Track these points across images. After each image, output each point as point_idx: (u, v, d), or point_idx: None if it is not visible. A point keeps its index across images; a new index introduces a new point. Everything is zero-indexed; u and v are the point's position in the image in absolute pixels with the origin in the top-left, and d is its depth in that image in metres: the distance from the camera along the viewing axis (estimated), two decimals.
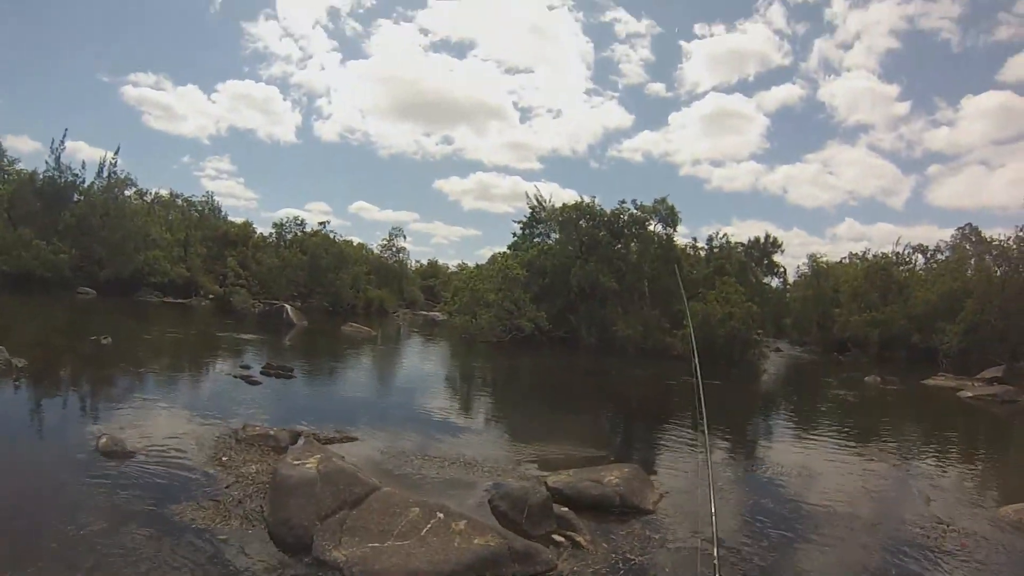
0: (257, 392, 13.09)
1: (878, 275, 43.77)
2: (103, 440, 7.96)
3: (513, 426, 13.07)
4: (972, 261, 37.79)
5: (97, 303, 31.08)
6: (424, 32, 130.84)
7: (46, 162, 37.25)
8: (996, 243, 36.35)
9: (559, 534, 6.40)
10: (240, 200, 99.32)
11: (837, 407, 19.72)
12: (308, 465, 6.51)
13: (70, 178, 37.28)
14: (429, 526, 5.60)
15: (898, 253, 47.95)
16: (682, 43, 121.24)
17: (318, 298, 46.19)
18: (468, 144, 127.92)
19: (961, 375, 28.24)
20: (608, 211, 35.91)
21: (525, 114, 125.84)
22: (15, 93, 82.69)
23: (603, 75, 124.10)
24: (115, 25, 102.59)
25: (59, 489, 6.53)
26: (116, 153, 39.26)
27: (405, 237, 66.69)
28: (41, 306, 26.95)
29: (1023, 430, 18.16)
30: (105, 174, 38.54)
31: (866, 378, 26.60)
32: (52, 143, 36.95)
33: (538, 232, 39.07)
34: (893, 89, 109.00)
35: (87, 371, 13.63)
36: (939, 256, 45.99)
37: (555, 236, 37.62)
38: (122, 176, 39.57)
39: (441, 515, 5.78)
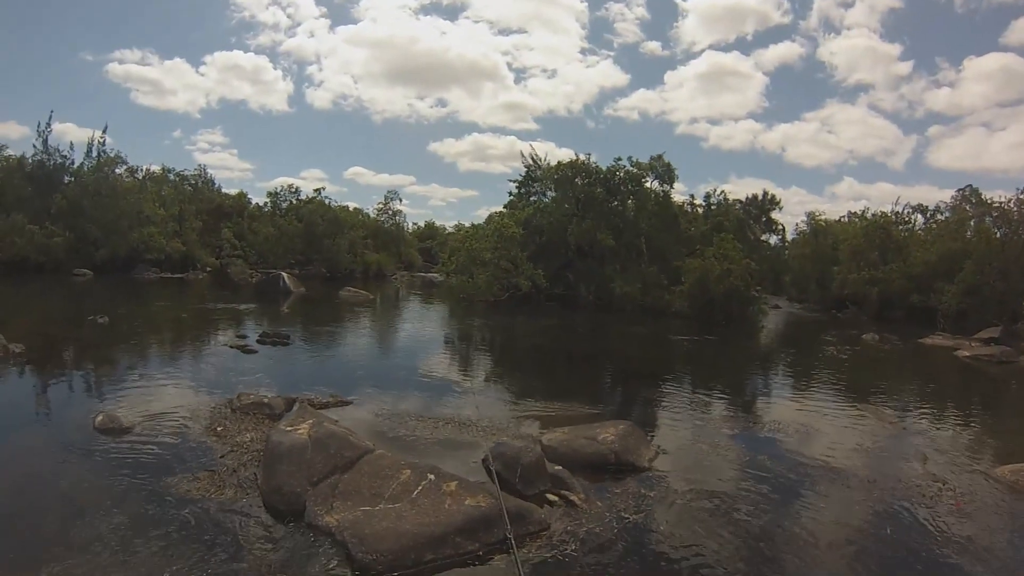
0: (253, 361, 13.09)
1: (877, 234, 43.45)
2: (99, 418, 7.98)
3: (510, 386, 13.09)
4: (972, 222, 37.46)
5: (94, 284, 30.99)
6: None
7: (34, 146, 37.11)
8: (996, 205, 36.05)
9: (553, 493, 6.40)
10: (234, 172, 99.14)
11: (835, 365, 19.72)
12: (300, 431, 6.50)
13: (59, 160, 37.05)
14: (420, 488, 5.59)
15: (898, 213, 47.54)
16: (678, 1, 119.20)
17: (316, 265, 46.18)
18: (463, 106, 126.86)
19: (959, 335, 28.16)
20: (604, 169, 35.61)
21: (519, 75, 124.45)
22: None
23: (598, 34, 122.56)
24: (96, 2, 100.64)
25: (56, 469, 6.53)
26: (104, 132, 38.95)
27: (401, 200, 66.27)
28: (38, 291, 26.84)
29: (1019, 390, 18.13)
30: (95, 154, 38.21)
31: (864, 336, 26.57)
32: (39, 126, 36.70)
33: (534, 191, 38.74)
34: (894, 48, 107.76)
35: (84, 352, 13.59)
36: (939, 217, 45.64)
37: (551, 195, 37.35)
38: (112, 155, 39.25)
39: (432, 476, 5.77)
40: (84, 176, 37.23)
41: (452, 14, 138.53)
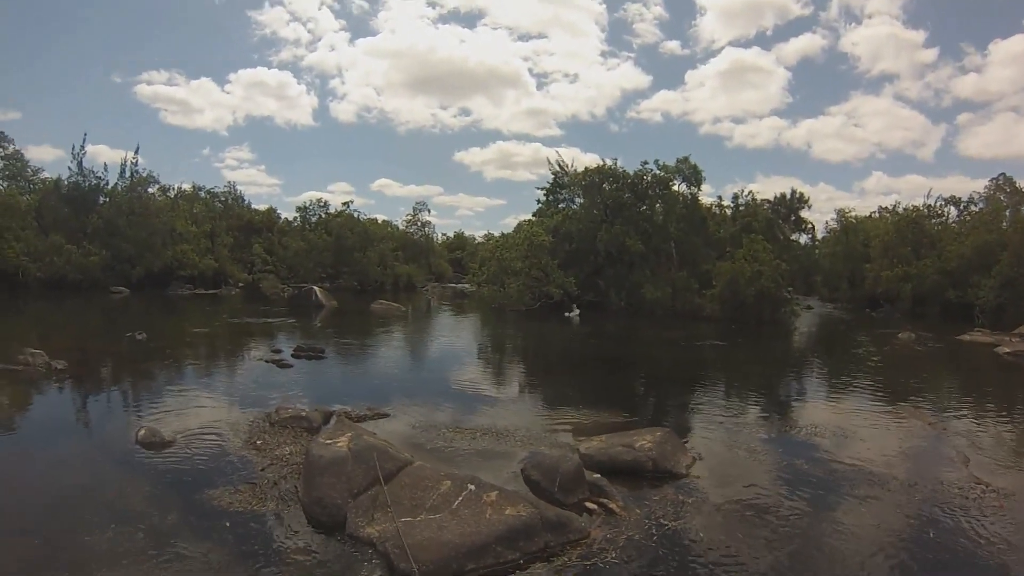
0: (289, 375, 13.27)
1: (909, 229, 42.70)
2: (141, 432, 8.15)
3: (545, 394, 13.11)
4: (1007, 212, 36.61)
5: (130, 301, 31.66)
6: (431, 4, 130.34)
7: (69, 168, 38.16)
8: None
9: (592, 501, 6.39)
10: (262, 187, 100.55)
11: (870, 364, 19.40)
12: (339, 444, 6.58)
13: (94, 181, 37.95)
14: (460, 498, 5.62)
15: (929, 206, 46.57)
16: None
17: (346, 278, 46.60)
18: (486, 114, 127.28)
19: (997, 330, 27.47)
20: (631, 173, 35.60)
21: (541, 80, 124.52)
22: (33, 105, 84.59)
23: (617, 36, 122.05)
24: (123, 26, 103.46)
25: (100, 481, 6.69)
26: (136, 152, 39.82)
27: (429, 211, 66.81)
28: (76, 308, 27.54)
29: None
30: (127, 174, 39.15)
31: (899, 334, 26.03)
32: (73, 149, 37.64)
33: (562, 198, 38.88)
34: (918, 35, 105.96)
35: (124, 367, 13.91)
36: (972, 208, 44.67)
37: (579, 201, 37.44)
38: (144, 175, 40.20)
39: (472, 487, 5.80)
40: (118, 196, 38.14)
41: (471, 22, 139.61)
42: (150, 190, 41.06)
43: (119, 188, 38.71)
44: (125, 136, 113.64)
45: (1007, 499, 7.28)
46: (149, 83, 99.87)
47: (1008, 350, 22.25)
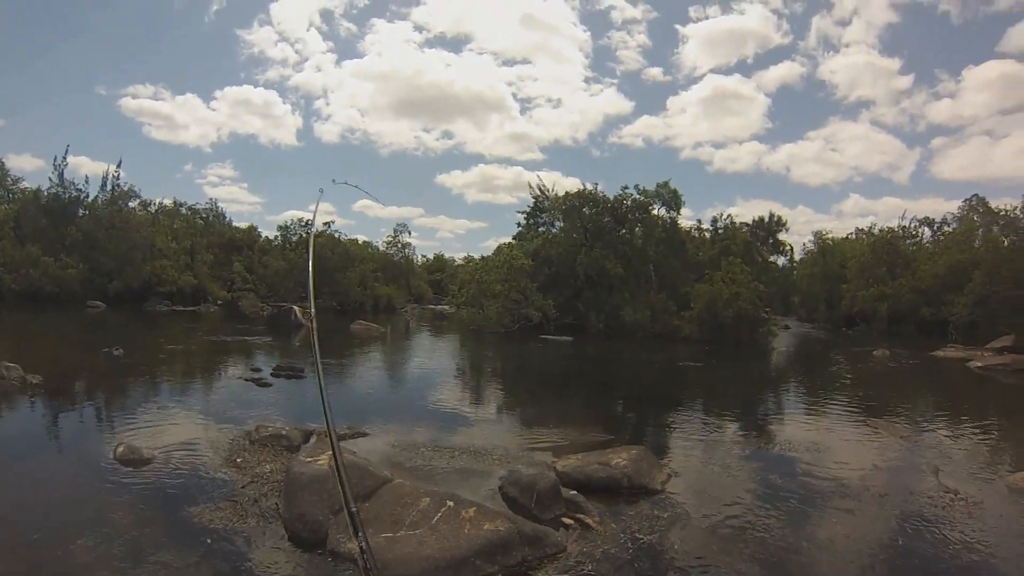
0: (268, 393, 13.27)
1: (885, 249, 43.67)
2: (120, 449, 8.12)
3: (523, 415, 13.21)
4: (980, 232, 37.56)
5: (107, 316, 31.35)
6: (419, 28, 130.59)
7: (50, 179, 37.99)
8: (1003, 213, 36.14)
9: (568, 517, 6.51)
10: (244, 205, 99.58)
11: (845, 382, 19.78)
12: (320, 461, 6.64)
13: (74, 193, 37.80)
14: (440, 514, 5.72)
15: (904, 227, 47.80)
16: (678, 27, 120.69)
17: (326, 298, 46.39)
18: (469, 137, 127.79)
19: (971, 346, 28.25)
20: (611, 197, 36.10)
21: (524, 105, 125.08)
22: (15, 112, 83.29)
23: (601, 62, 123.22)
24: (111, 38, 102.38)
25: (78, 498, 6.68)
26: (118, 166, 39.78)
27: (410, 232, 66.82)
28: (52, 322, 27.25)
29: None
30: (108, 187, 39.07)
31: (875, 352, 26.57)
32: (55, 160, 37.65)
33: (542, 221, 39.31)
34: (893, 63, 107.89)
35: (101, 383, 13.80)
36: (946, 228, 45.76)
37: (559, 224, 37.82)
38: (125, 188, 40.09)
39: (451, 503, 5.90)
40: (98, 209, 37.96)
41: (456, 46, 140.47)
42: (131, 204, 40.94)
43: (100, 201, 38.58)
44: (108, 149, 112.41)
45: (975, 507, 7.56)
46: (134, 96, 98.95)
47: (980, 364, 22.93)
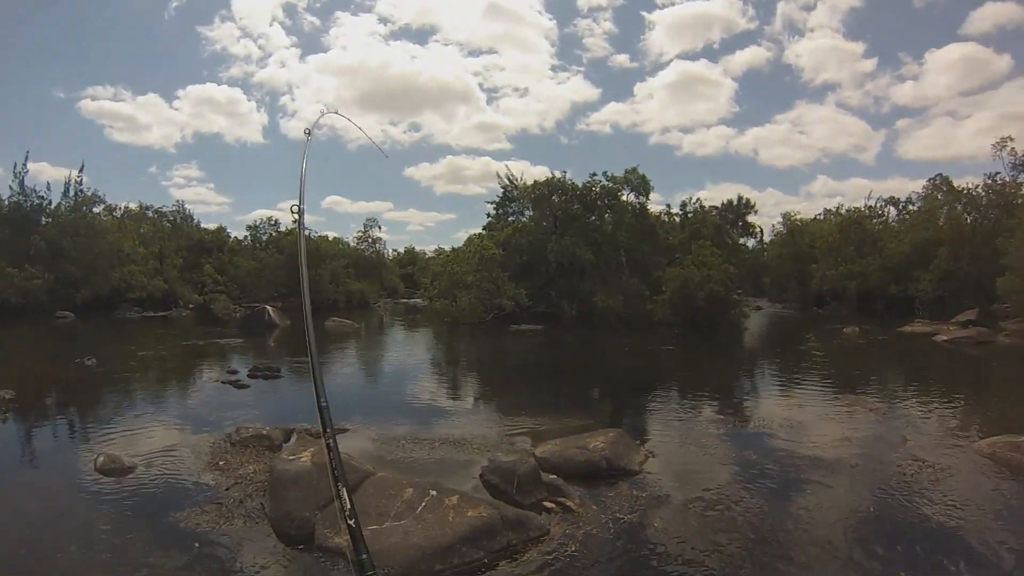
0: (246, 395, 13.26)
1: (852, 229, 44.55)
2: (100, 459, 8.08)
3: (500, 403, 13.33)
4: (944, 210, 38.50)
5: (77, 325, 30.85)
6: (383, 21, 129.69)
7: (10, 187, 37.08)
8: (966, 191, 37.09)
9: (550, 501, 6.67)
10: (211, 206, 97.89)
11: (817, 360, 20.21)
12: (303, 458, 6.73)
13: (36, 201, 36.99)
14: (424, 504, 5.85)
15: (871, 207, 48.79)
16: (644, 13, 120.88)
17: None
18: (436, 129, 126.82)
19: (937, 321, 29.12)
20: (580, 185, 36.28)
21: (491, 95, 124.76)
22: None
23: (567, 50, 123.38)
24: (67, 38, 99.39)
25: (63, 511, 6.66)
26: (81, 170, 39.02)
27: (380, 227, 66.36)
28: (20, 334, 26.73)
29: (997, 368, 18.80)
30: (72, 193, 38.26)
31: (845, 329, 27.24)
32: (15, 167, 36.78)
33: (512, 211, 39.46)
34: (858, 47, 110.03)
35: (76, 394, 13.62)
36: (911, 207, 46.73)
37: (529, 213, 38.02)
38: (89, 194, 39.24)
39: (434, 492, 6.03)
40: (62, 216, 37.17)
41: (422, 38, 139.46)
42: (96, 210, 40.07)
43: (63, 208, 37.75)
44: (69, 153, 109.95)
45: (942, 473, 7.90)
46: (94, 98, 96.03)
47: (946, 338, 23.71)
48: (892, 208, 48.66)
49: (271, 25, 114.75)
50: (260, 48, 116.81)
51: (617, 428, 9.30)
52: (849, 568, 5.43)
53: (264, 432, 9.26)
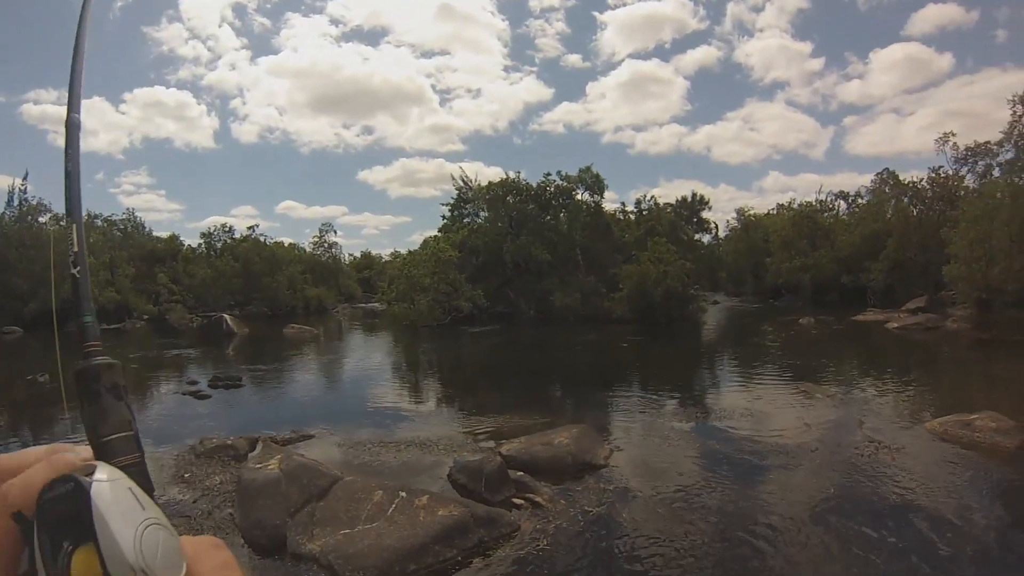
0: (208, 406, 13.10)
1: (805, 223, 45.78)
2: None
3: (463, 404, 13.42)
4: (891, 203, 39.76)
5: (26, 341, 29.88)
6: (334, 22, 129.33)
7: None
8: (912, 185, 38.34)
9: (519, 497, 6.81)
10: (163, 213, 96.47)
11: (775, 350, 20.78)
12: (271, 467, 6.72)
13: None
14: (394, 506, 5.91)
15: (822, 201, 50.22)
16: (596, 13, 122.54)
17: (256, 304, 45.43)
18: (389, 132, 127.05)
19: (888, 309, 30.23)
20: (534, 185, 36.64)
21: (444, 96, 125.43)
22: None
23: (520, 51, 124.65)
24: (5, 40, 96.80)
25: None
26: (24, 179, 37.59)
27: (336, 232, 65.86)
28: None
29: (946, 352, 19.61)
30: (16, 203, 36.90)
31: (800, 320, 28.02)
32: None
33: (467, 212, 39.59)
34: (805, 46, 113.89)
35: (30, 413, 13.28)
36: (860, 201, 48.16)
37: (484, 215, 38.14)
38: (34, 203, 37.88)
39: (404, 494, 6.10)
40: (6, 226, 35.86)
41: (374, 40, 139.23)
42: (41, 219, 38.73)
43: (7, 218, 36.40)
44: (11, 161, 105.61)
45: (896, 452, 8.36)
46: (36, 102, 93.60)
47: (897, 325, 24.68)
48: (842, 202, 50.25)
49: (220, 26, 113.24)
50: (209, 50, 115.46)
51: (581, 424, 9.48)
52: (813, 546, 5.69)
53: (229, 442, 9.19)
